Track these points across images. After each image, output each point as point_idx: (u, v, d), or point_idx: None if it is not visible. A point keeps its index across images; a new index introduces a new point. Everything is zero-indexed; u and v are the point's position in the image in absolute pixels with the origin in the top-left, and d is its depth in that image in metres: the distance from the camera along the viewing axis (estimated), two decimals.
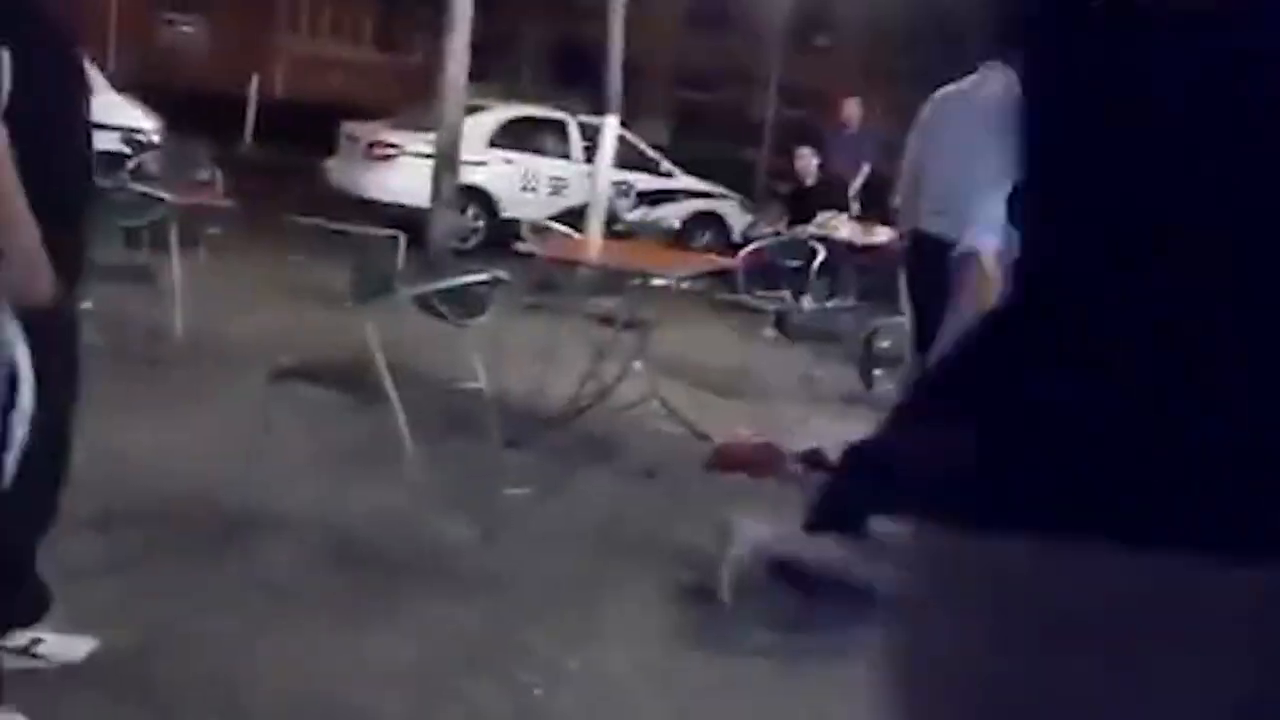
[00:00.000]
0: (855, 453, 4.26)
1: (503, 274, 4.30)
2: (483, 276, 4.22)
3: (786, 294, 8.00)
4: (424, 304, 4.18)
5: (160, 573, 3.60)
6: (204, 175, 7.43)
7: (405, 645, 3.34)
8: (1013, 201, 1.01)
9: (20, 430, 2.56)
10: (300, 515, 4.12)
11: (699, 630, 3.67)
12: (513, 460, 4.44)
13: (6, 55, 2.43)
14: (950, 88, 4.80)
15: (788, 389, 6.95)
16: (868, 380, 7.22)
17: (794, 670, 3.52)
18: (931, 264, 4.13)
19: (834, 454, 5.24)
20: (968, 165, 4.61)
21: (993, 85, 4.45)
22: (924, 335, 4.41)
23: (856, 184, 10.03)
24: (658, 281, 5.70)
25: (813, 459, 5.05)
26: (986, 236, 4.00)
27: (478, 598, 3.68)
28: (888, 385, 7.03)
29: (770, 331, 7.62)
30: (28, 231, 2.42)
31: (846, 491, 4.19)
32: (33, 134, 2.46)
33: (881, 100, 14.62)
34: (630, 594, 3.86)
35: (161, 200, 5.79)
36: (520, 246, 6.24)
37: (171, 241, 5.99)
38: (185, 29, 23.65)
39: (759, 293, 7.71)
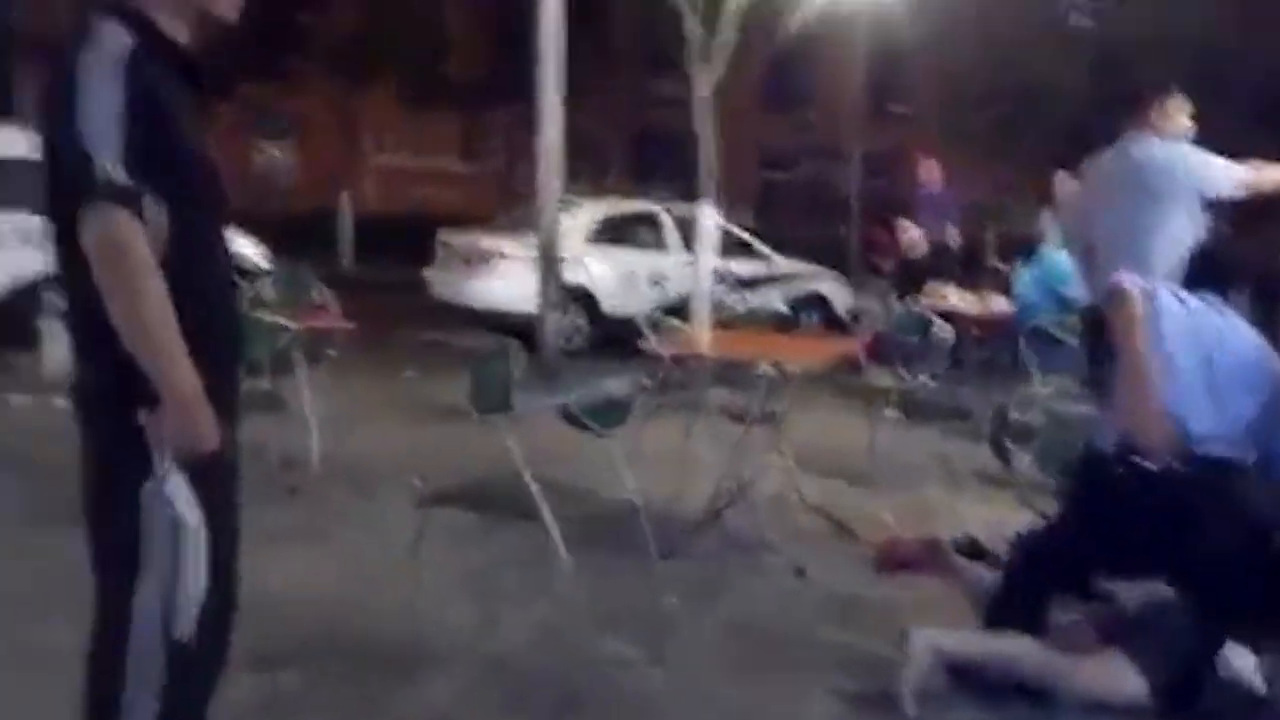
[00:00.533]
0: (1031, 544, 4.08)
1: (645, 380, 4.21)
2: (626, 384, 4.13)
3: (905, 372, 7.81)
4: (567, 415, 4.10)
5: (322, 716, 3.51)
6: (317, 297, 7.49)
7: None
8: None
9: (197, 586, 2.49)
10: (458, 643, 4.02)
11: None
12: (665, 570, 4.31)
13: (165, 208, 2.41)
14: (1097, 161, 4.75)
15: (920, 471, 6.75)
16: (1004, 456, 6.98)
17: None
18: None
19: (990, 541, 5.06)
20: (1122, 231, 4.53)
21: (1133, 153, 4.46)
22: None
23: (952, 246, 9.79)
24: (790, 370, 5.57)
25: (970, 550, 4.85)
26: (1133, 275, 3.90)
27: None
28: (1025, 460, 6.81)
29: (892, 412, 7.42)
30: (190, 380, 2.38)
31: (1025, 586, 4.01)
32: (189, 280, 2.44)
33: (961, 162, 14.47)
34: (805, 711, 3.67)
35: (287, 328, 5.82)
36: (644, 345, 6.15)
37: (299, 367, 6.01)
38: (275, 154, 24.27)
39: (878, 372, 7.54)
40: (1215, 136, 4.65)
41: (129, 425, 2.41)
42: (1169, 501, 3.65)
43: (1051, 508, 5.87)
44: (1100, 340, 4.08)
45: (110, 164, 2.30)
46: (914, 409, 7.38)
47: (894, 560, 4.36)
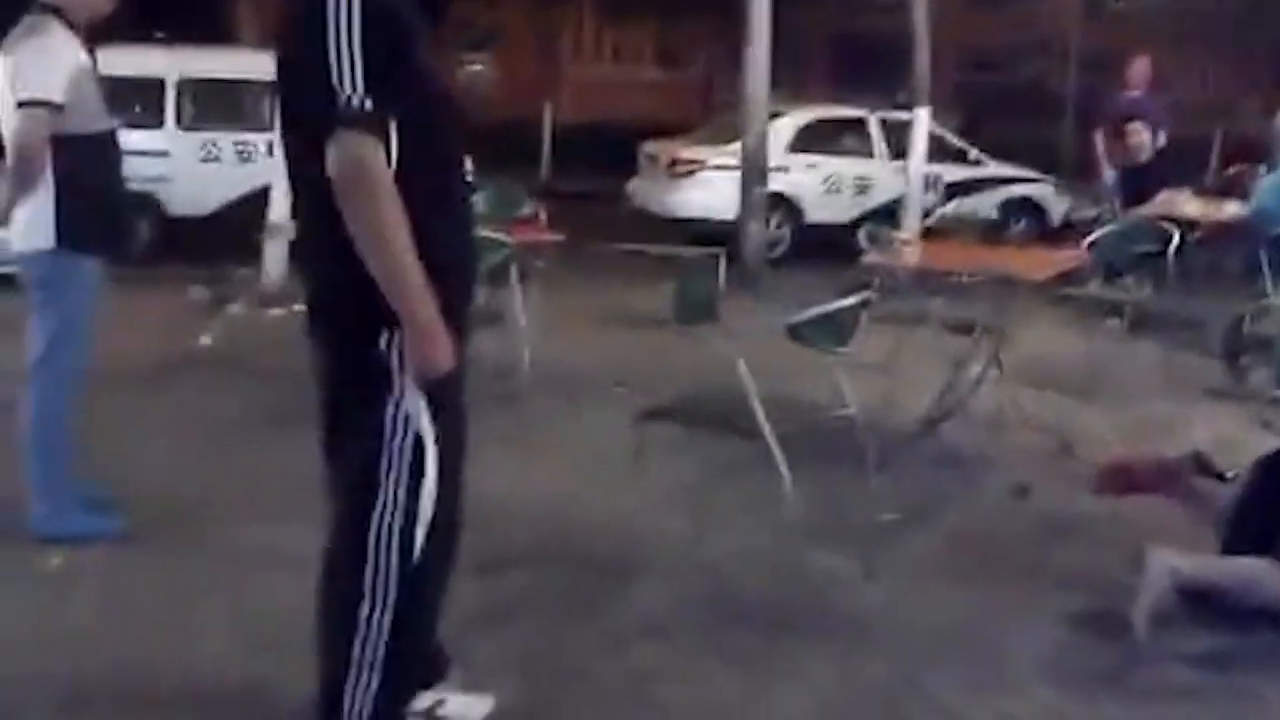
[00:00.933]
0: (1272, 464, 3.85)
1: (871, 295, 4.10)
2: (853, 301, 4.02)
3: (1131, 283, 7.45)
4: (794, 334, 4.02)
5: (542, 621, 3.57)
6: (527, 211, 7.55)
7: (808, 693, 3.19)
8: None
9: (429, 504, 2.54)
10: (674, 554, 4.04)
11: (1113, 671, 3.36)
12: (880, 485, 4.23)
13: (408, 132, 2.41)
14: None
15: (1145, 386, 6.45)
16: (1236, 371, 6.62)
17: (1222, 712, 3.18)
18: None
19: (1219, 457, 4.80)
20: None
21: None
22: None
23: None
24: (1010, 280, 5.36)
25: (1199, 466, 4.60)
26: None
27: (870, 640, 3.49)
28: (1261, 373, 6.44)
29: (1116, 323, 7.07)
30: (429, 304, 2.40)
31: (1264, 507, 3.80)
32: (429, 203, 2.45)
33: (1187, 62, 13.63)
34: (1028, 630, 3.57)
35: (504, 243, 5.87)
36: (865, 257, 6.01)
37: (513, 280, 6.08)
38: (476, 67, 24.52)
39: (1103, 284, 7.21)
40: None
41: (368, 348, 2.46)
42: None
43: None
44: None
45: (357, 91, 2.32)
46: (1138, 321, 7.04)
47: (1121, 483, 4.16)
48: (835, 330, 3.99)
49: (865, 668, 3.33)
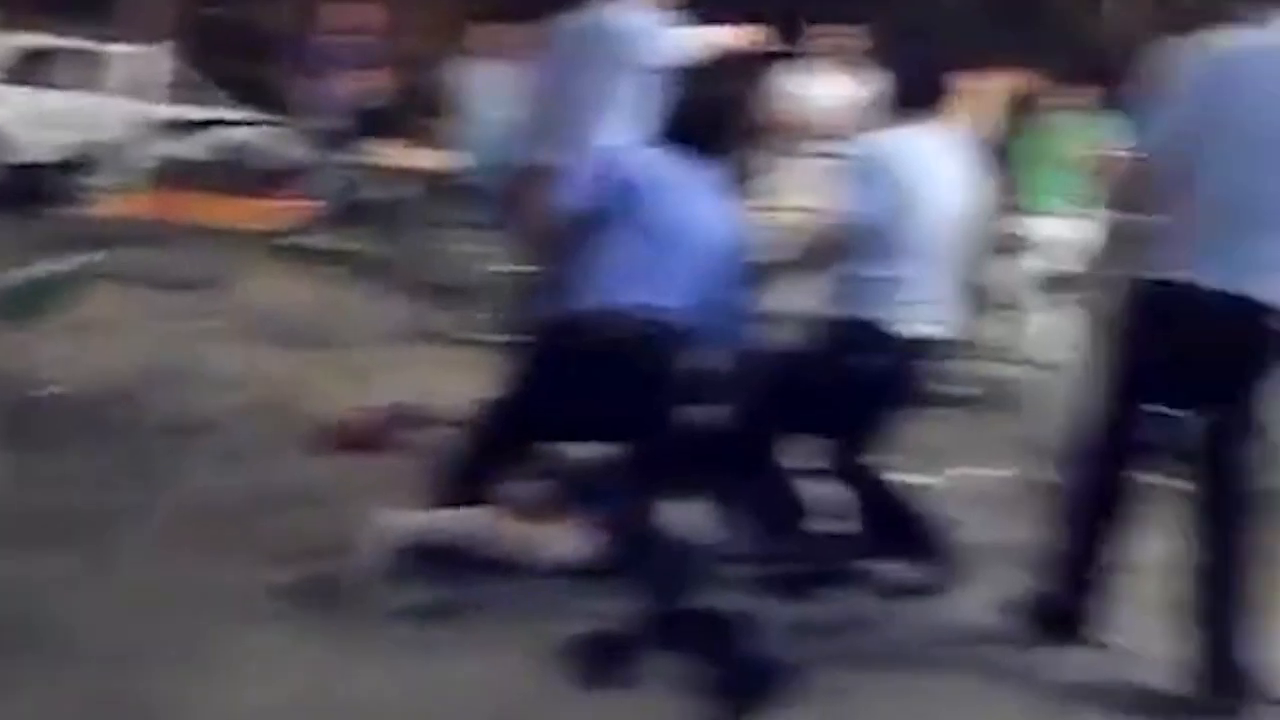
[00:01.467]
0: (485, 411, 4.04)
1: (93, 256, 3.65)
2: (69, 265, 3.54)
3: (357, 231, 7.58)
4: None
5: None
6: None
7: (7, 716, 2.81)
8: None
9: None
10: None
11: (352, 634, 3.33)
12: (94, 465, 3.85)
13: None
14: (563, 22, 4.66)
15: (371, 335, 6.57)
16: (460, 316, 6.93)
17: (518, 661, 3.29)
18: None
19: (441, 408, 5.00)
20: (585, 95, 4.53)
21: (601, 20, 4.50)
22: None
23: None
24: (229, 231, 5.17)
25: (409, 416, 4.74)
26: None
27: (80, 646, 3.15)
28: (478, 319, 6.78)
29: (342, 271, 7.12)
30: None
31: (480, 455, 3.99)
32: None
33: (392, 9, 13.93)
34: (251, 608, 3.42)
35: None
36: (76, 206, 5.46)
37: None
38: None
39: (328, 233, 7.24)
40: None
41: None
42: (612, 366, 3.75)
43: (505, 370, 5.98)
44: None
45: None
46: (364, 269, 7.18)
47: (347, 439, 4.18)
48: (43, 299, 3.52)
49: (73, 679, 3.00)
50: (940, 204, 3.92)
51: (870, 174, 3.88)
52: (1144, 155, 3.56)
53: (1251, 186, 3.31)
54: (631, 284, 3.78)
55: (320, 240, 6.89)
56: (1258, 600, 3.39)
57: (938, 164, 3.95)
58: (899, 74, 4.18)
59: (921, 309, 3.91)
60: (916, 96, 4.03)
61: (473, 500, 3.82)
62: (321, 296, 6.51)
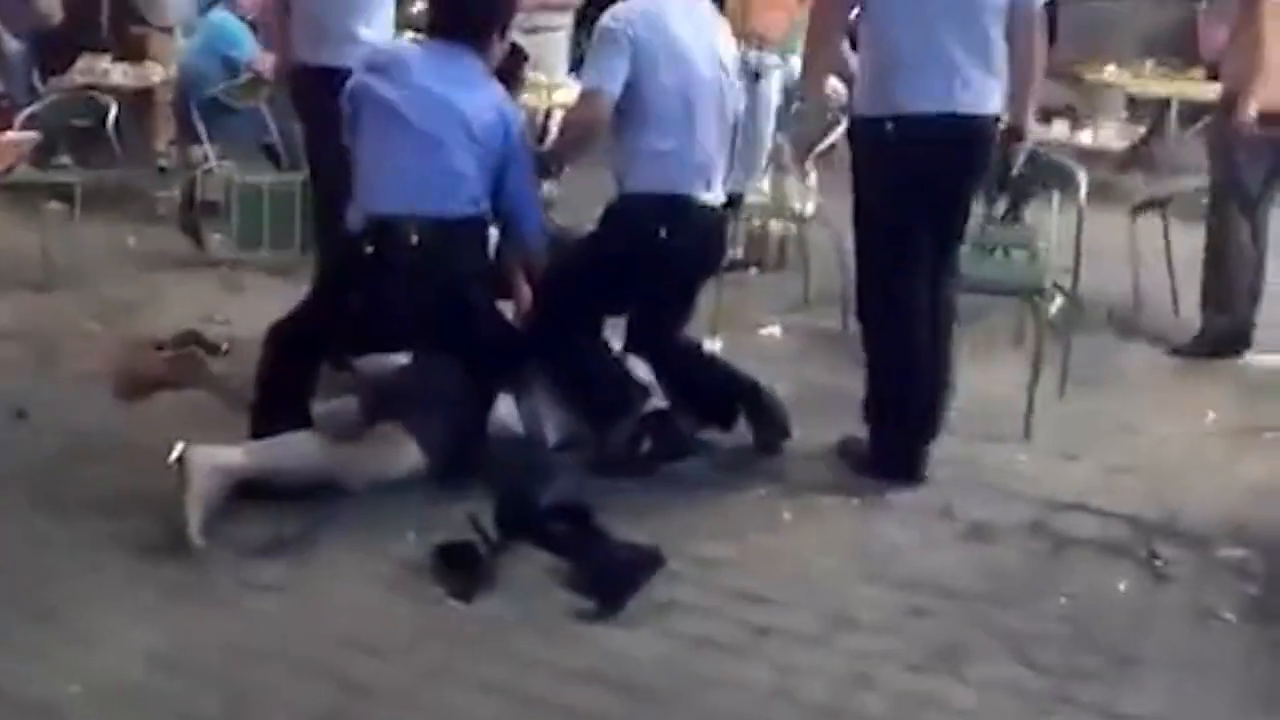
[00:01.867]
0: (279, 333, 3.80)
1: None
2: None
3: (70, 160, 6.97)
4: None
5: None
6: None
7: None
8: None
9: None
10: None
11: (187, 585, 3.11)
12: None
13: None
14: None
15: (110, 269, 6.07)
16: (197, 237, 6.50)
17: (302, 598, 3.12)
18: None
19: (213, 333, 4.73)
20: None
21: None
22: None
23: None
24: None
25: (196, 343, 4.45)
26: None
27: None
28: (217, 238, 6.36)
29: (61, 206, 6.50)
30: None
31: (284, 378, 3.77)
32: None
33: None
34: (90, 570, 3.16)
35: None
36: None
37: None
38: None
39: (41, 165, 6.56)
40: None
41: None
42: (393, 278, 3.61)
43: (257, 285, 5.67)
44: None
45: None
46: (88, 199, 6.58)
47: (138, 378, 3.85)
48: None
49: None
50: (696, 66, 3.85)
51: (617, 47, 3.76)
52: None
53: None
54: (403, 189, 3.61)
55: (40, 174, 6.26)
56: None
57: (683, 26, 3.86)
58: None
59: (701, 175, 3.88)
60: None
61: (287, 424, 3.61)
62: (59, 234, 5.95)
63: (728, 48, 4.04)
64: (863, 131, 3.79)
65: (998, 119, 3.77)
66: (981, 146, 3.75)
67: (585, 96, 3.86)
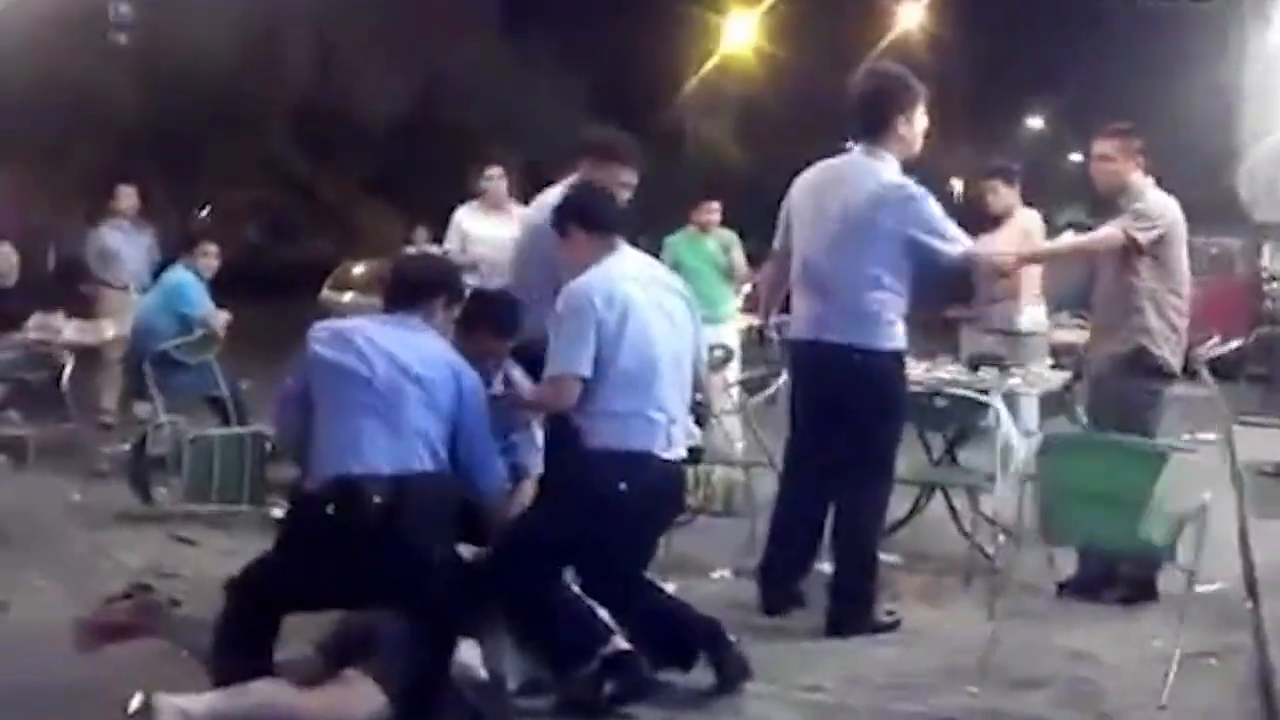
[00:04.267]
0: (243, 584, 3.81)
1: None
2: None
3: (15, 414, 7.00)
4: None
5: None
6: None
7: None
8: None
9: None
10: None
11: None
12: None
13: None
14: None
15: (50, 523, 6.06)
16: (145, 491, 6.48)
17: None
18: None
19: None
20: None
21: None
22: None
23: None
24: None
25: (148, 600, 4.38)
26: None
27: None
28: (165, 491, 6.38)
29: (3, 459, 6.51)
30: None
31: (245, 628, 3.76)
32: None
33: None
34: None
35: None
36: None
37: None
38: None
39: None
40: None
41: None
42: (349, 542, 3.66)
43: (202, 536, 5.66)
44: None
45: None
46: (42, 453, 6.62)
47: (105, 630, 3.83)
48: None
49: None
50: (654, 328, 4.05)
51: (583, 326, 3.94)
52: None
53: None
54: (363, 450, 3.69)
55: None
56: None
57: (639, 290, 4.06)
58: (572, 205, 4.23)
59: (661, 431, 4.02)
60: (600, 223, 4.14)
61: (250, 672, 3.60)
62: (7, 489, 5.95)
63: (680, 298, 4.25)
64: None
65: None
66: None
67: (555, 381, 4.00)
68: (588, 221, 4.15)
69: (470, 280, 8.05)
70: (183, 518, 6.04)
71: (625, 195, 4.50)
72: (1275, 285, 14.19)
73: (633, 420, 3.97)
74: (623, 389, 3.96)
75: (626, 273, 4.11)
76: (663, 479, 4.06)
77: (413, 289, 3.97)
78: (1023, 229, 6.47)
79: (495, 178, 7.96)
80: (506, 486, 4.12)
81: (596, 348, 3.93)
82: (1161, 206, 5.13)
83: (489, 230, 7.96)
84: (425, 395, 3.76)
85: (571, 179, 4.54)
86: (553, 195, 4.50)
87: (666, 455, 4.04)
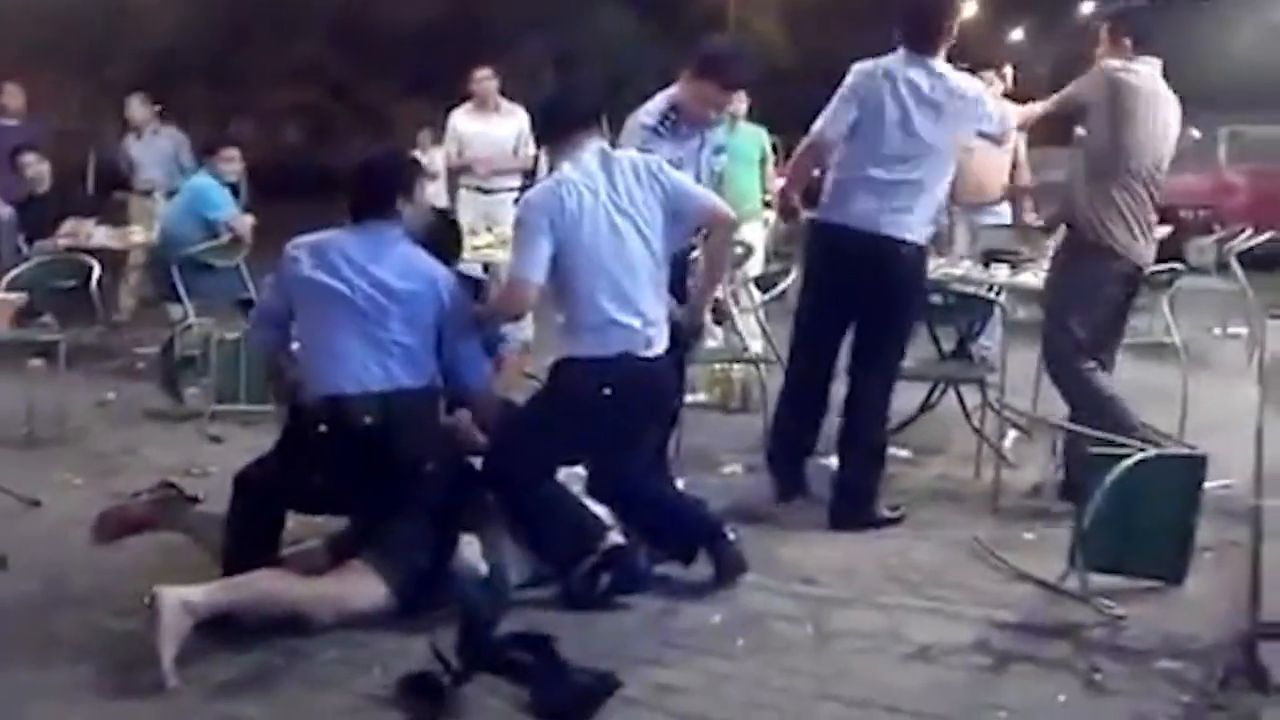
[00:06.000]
0: (249, 479, 3.92)
1: None
2: None
3: (53, 320, 7.11)
4: None
5: None
6: None
7: None
8: None
9: None
10: None
11: None
12: None
13: None
14: None
15: (95, 423, 6.27)
16: (175, 391, 6.67)
17: None
18: None
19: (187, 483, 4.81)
20: None
21: None
22: None
23: None
24: None
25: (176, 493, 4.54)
26: None
27: None
28: (196, 391, 6.54)
29: (41, 363, 6.62)
30: None
31: (254, 520, 3.89)
32: None
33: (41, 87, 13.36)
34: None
35: None
36: None
37: None
38: None
39: (25, 323, 6.72)
40: None
41: None
42: (344, 454, 3.77)
43: (230, 434, 5.81)
44: None
45: None
46: (76, 357, 6.75)
47: (124, 523, 3.97)
48: None
49: None
50: (619, 233, 3.99)
51: (536, 233, 3.94)
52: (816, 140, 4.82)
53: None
54: (351, 369, 3.79)
55: (24, 333, 6.42)
56: None
57: (597, 198, 3.99)
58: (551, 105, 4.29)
59: (639, 334, 4.01)
60: (573, 121, 4.10)
61: (257, 563, 3.73)
62: (34, 391, 6.11)
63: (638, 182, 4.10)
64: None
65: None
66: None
67: (511, 285, 4.06)
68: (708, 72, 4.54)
69: (468, 182, 8.25)
70: (212, 417, 6.19)
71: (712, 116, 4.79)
72: None
73: (609, 328, 3.96)
74: (592, 298, 3.96)
75: (589, 175, 4.01)
76: (647, 376, 4.07)
77: (378, 196, 3.96)
78: None
79: (484, 79, 8.10)
80: (491, 389, 4.21)
81: (558, 254, 3.94)
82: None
83: (483, 129, 8.11)
84: (406, 310, 3.83)
85: (673, 89, 4.69)
86: (655, 103, 4.67)
87: (646, 354, 4.04)
